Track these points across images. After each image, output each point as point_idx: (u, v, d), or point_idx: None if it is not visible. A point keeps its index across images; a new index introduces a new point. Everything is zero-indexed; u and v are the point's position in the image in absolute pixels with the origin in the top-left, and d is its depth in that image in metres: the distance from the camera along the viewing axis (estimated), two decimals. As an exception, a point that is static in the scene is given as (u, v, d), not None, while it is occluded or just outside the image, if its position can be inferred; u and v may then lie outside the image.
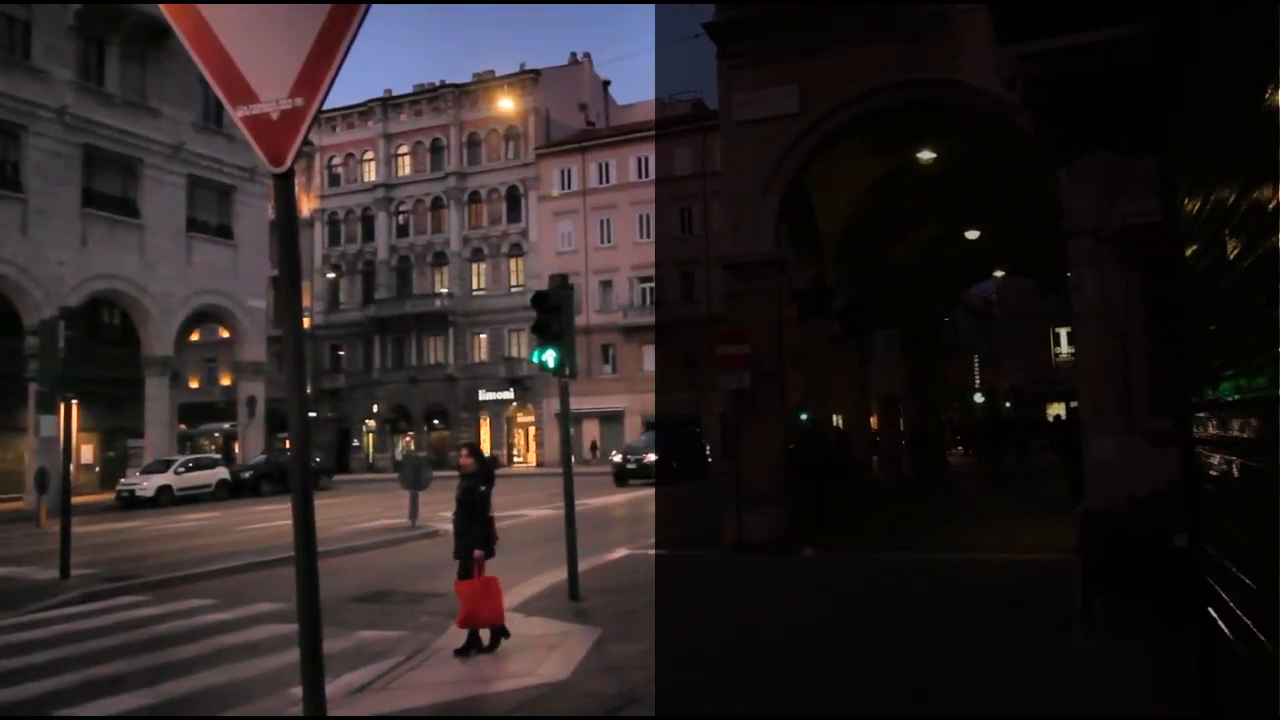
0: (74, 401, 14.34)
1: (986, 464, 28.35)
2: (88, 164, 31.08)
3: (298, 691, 6.64)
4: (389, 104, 55.21)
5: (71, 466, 14.64)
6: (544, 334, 10.02)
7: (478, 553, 7.71)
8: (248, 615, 10.12)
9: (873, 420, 25.03)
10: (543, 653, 7.77)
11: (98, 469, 34.90)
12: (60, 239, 29.77)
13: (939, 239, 23.39)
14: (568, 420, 10.24)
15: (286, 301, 3.11)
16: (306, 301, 54.99)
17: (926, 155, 17.38)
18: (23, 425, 28.98)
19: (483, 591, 7.54)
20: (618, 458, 32.23)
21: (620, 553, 13.33)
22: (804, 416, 19.07)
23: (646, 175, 49.18)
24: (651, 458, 30.59)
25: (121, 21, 32.17)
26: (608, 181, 50.02)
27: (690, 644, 7.96)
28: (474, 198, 52.96)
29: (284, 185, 3.12)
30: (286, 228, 3.13)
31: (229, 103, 3.12)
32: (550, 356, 9.81)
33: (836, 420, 20.92)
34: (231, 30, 3.15)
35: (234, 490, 31.29)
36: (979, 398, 55.64)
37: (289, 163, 3.09)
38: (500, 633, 7.83)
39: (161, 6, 3.27)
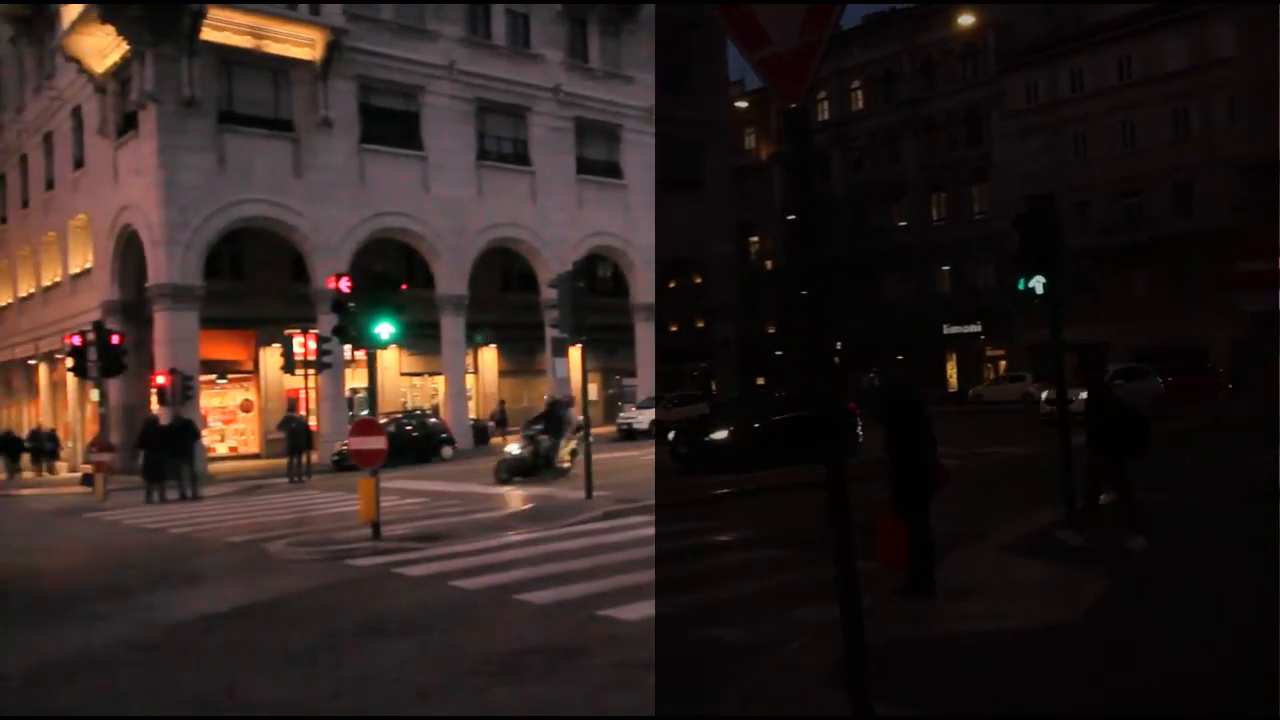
0: (583, 345, 16.35)
1: None
2: (579, 135, 34.99)
3: (805, 612, 7.03)
4: (840, 39, 54.84)
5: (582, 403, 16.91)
6: (1029, 260, 9.36)
7: (890, 492, 7.43)
8: (741, 538, 10.85)
9: None
10: (1047, 594, 7.42)
11: (601, 405, 39.65)
12: (560, 204, 33.97)
13: None
14: (1060, 351, 9.49)
15: (802, 232, 3.21)
16: (769, 245, 57.23)
17: None
18: (540, 368, 33.78)
19: (885, 532, 7.23)
20: None
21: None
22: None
23: (1128, 76, 43.69)
24: None
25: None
26: (1080, 89, 45.29)
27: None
28: (930, 124, 50.98)
29: (798, 121, 3.20)
30: (800, 163, 3.21)
31: (745, 47, 3.26)
32: (1038, 283, 9.15)
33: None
34: (744, -22, 3.29)
35: (713, 424, 33.73)
36: None
37: (802, 98, 3.16)
38: (914, 579, 7.38)
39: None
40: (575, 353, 16.81)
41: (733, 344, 39.85)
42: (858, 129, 54.02)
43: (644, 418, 32.23)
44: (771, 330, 53.79)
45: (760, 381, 51.52)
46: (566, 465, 19.14)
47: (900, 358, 50.56)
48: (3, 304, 39.47)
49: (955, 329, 48.66)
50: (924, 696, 5.17)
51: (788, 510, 13.34)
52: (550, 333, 25.70)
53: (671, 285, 43.62)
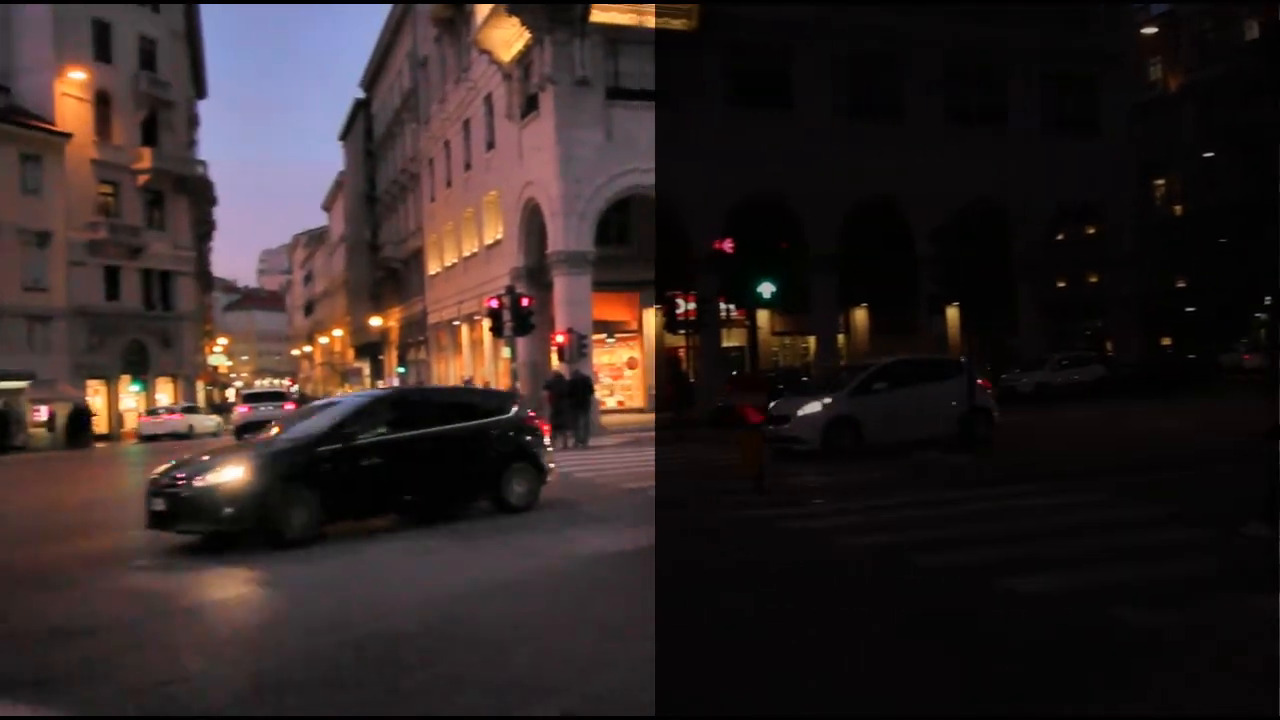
0: (962, 304, 15.64)
1: None
2: (956, 81, 33.29)
3: (1231, 598, 6.24)
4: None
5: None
6: None
7: None
8: (1148, 516, 9.81)
9: None
10: None
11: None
12: (934, 155, 32.18)
13: None
14: None
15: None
16: (1178, 188, 50.75)
17: None
18: (913, 327, 32.69)
19: None
20: None
21: None
22: None
23: None
24: None
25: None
26: None
27: None
28: (1399, 32, 42.11)
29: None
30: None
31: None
32: None
33: None
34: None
35: (1112, 388, 30.56)
36: None
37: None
38: None
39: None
40: (953, 311, 16.09)
41: (1133, 300, 35.95)
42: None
43: (1029, 379, 30.28)
44: (1181, 284, 47.93)
45: (1166, 342, 46.21)
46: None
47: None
48: (434, 272, 45.57)
49: None
50: None
51: (1203, 485, 11.88)
52: (926, 290, 24.87)
53: (1059, 237, 40.24)
